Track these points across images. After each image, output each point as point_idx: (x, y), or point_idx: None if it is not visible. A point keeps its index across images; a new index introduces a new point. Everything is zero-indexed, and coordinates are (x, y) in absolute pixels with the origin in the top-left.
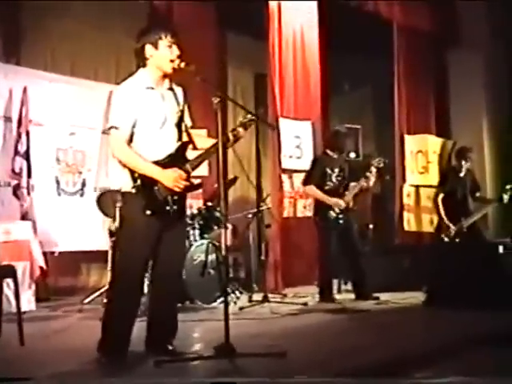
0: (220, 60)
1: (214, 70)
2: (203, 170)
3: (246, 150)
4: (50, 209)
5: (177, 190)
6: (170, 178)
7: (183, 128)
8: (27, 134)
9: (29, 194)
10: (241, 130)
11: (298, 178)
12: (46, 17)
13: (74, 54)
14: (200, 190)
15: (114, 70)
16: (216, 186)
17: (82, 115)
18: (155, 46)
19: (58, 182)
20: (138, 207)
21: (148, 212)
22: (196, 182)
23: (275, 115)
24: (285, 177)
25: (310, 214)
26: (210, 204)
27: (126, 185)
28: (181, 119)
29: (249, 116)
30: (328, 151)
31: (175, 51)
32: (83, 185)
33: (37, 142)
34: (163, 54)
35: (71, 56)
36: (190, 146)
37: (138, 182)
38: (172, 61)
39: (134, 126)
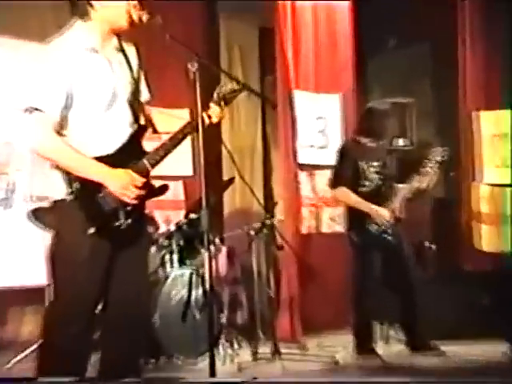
0: (205, 7)
1: (195, 22)
2: (185, 167)
3: (247, 137)
4: None
5: (127, 199)
6: (119, 182)
7: (138, 106)
8: None
9: None
10: (215, 106)
11: (323, 178)
12: None
13: None
14: (182, 197)
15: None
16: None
17: (3, 89)
18: None
19: None
20: (77, 223)
21: (91, 230)
22: (159, 184)
23: (287, 86)
24: (303, 175)
25: (340, 228)
26: (193, 216)
27: (58, 191)
28: (135, 93)
29: (229, 86)
30: (360, 138)
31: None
32: (10, 192)
33: None
34: (117, 3)
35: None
36: (149, 132)
37: (75, 186)
38: (129, 11)
39: (66, 107)
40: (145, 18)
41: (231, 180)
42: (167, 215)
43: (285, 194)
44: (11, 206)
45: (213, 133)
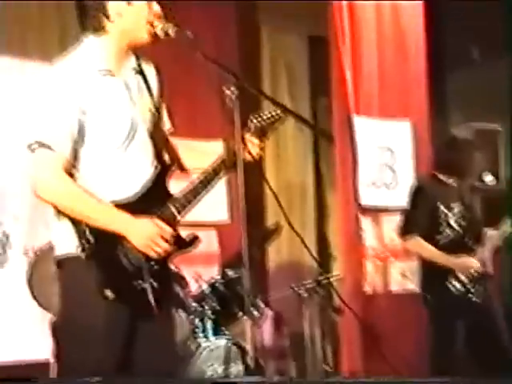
0: (244, 16)
1: (232, 34)
2: (220, 212)
3: (296, 174)
4: None
5: (154, 254)
6: (144, 233)
7: (161, 139)
8: None
9: None
10: (253, 138)
11: (391, 224)
12: None
13: None
14: (216, 248)
15: (57, 37)
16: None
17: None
18: None
19: None
20: (90, 285)
21: (108, 293)
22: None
23: (345, 111)
24: (366, 221)
25: (413, 286)
26: (231, 274)
27: (66, 245)
28: (157, 123)
29: (272, 111)
30: (439, 175)
31: (156, 7)
32: (4, 246)
33: None
34: (139, 10)
35: None
36: (176, 170)
37: (90, 239)
38: (151, 23)
39: (77, 142)
40: (171, 31)
41: (277, 228)
42: (198, 272)
43: (344, 244)
44: (5, 264)
45: (253, 169)
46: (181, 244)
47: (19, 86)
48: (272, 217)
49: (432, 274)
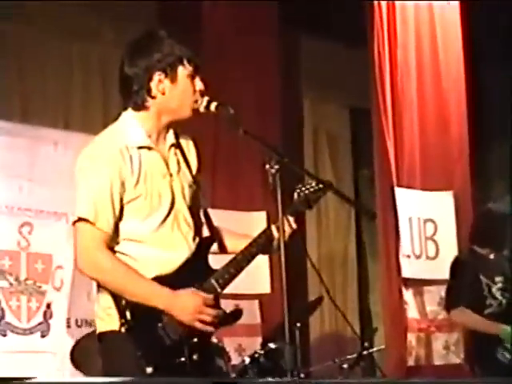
0: (286, 87)
1: (275, 105)
2: (262, 283)
3: (337, 246)
4: None
5: (199, 325)
6: (188, 307)
7: (200, 213)
8: None
9: None
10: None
11: (434, 296)
12: None
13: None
14: (258, 320)
15: (102, 112)
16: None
17: (41, 191)
18: (172, 75)
19: (0, 312)
20: (130, 360)
21: (149, 369)
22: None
23: (388, 183)
24: (408, 294)
25: (456, 359)
26: (272, 346)
27: (109, 320)
28: (196, 198)
29: (313, 185)
30: (476, 247)
31: (199, 84)
32: (47, 315)
33: None
34: (183, 89)
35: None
36: (214, 247)
37: (129, 315)
38: (194, 100)
39: (117, 217)
40: (213, 106)
41: (319, 300)
42: (239, 343)
43: (386, 316)
44: (48, 334)
45: (295, 242)
46: (224, 318)
47: (65, 159)
48: (315, 288)
49: (479, 345)
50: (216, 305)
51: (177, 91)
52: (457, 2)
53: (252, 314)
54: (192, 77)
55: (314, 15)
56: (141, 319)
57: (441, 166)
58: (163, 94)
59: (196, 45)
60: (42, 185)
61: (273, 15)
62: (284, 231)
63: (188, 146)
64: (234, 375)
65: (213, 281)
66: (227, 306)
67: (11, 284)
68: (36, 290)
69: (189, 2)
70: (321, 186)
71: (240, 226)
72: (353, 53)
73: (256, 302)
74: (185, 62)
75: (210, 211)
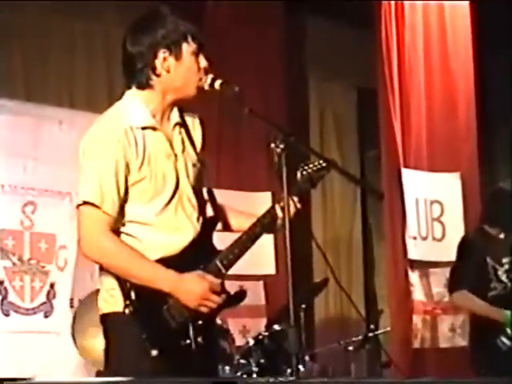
0: (292, 68)
1: (280, 85)
2: (267, 264)
3: (343, 227)
4: None
5: (205, 309)
6: (194, 292)
7: (204, 192)
8: None
9: None
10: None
11: (440, 278)
12: None
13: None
14: (262, 301)
15: (106, 90)
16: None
17: (45, 170)
18: (176, 52)
19: (3, 292)
20: (135, 343)
21: (153, 351)
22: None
23: (394, 164)
24: (414, 276)
25: (463, 342)
26: (277, 327)
27: (111, 302)
28: (200, 178)
29: (316, 163)
30: (486, 227)
31: (203, 62)
32: (50, 296)
33: None
34: (188, 66)
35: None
36: (219, 226)
37: (133, 297)
38: (199, 78)
39: (122, 199)
40: (217, 84)
41: (324, 282)
42: (244, 324)
43: (392, 298)
44: (51, 315)
45: (301, 223)
46: (229, 300)
47: (70, 138)
48: (320, 270)
49: (481, 329)
50: (221, 288)
51: (182, 69)
52: None
53: (256, 295)
54: (196, 54)
55: None
56: (146, 301)
57: (448, 147)
58: (168, 71)
59: (199, 27)
60: (46, 164)
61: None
62: (289, 211)
63: (193, 123)
64: (237, 357)
65: (217, 262)
66: (231, 286)
67: (14, 264)
68: (39, 270)
69: None
70: (324, 164)
71: (245, 206)
72: (360, 33)
73: (261, 283)
74: (189, 38)
75: (215, 191)
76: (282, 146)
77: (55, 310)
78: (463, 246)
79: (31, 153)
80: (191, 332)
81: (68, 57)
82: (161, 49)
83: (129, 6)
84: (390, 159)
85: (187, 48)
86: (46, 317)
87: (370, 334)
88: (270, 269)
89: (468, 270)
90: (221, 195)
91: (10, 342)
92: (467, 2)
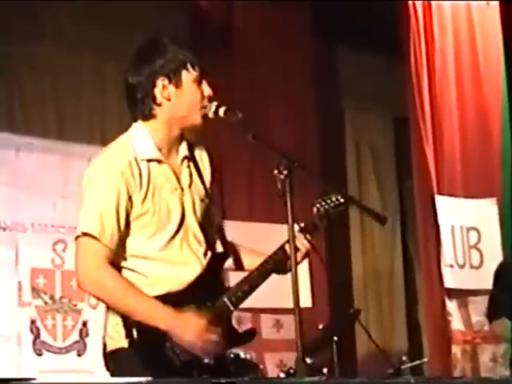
0: (324, 98)
1: (314, 117)
2: (303, 298)
3: (383, 257)
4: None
5: (200, 352)
6: (190, 329)
7: (214, 228)
8: None
9: None
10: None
11: (479, 306)
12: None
13: (60, 104)
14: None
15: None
16: (321, 326)
17: (74, 208)
18: (176, 80)
19: (35, 331)
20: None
21: None
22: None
23: (428, 191)
24: (452, 305)
25: (506, 372)
26: (309, 361)
27: (114, 338)
28: (209, 213)
29: (333, 198)
30: None
31: (207, 89)
32: (83, 334)
33: None
34: (189, 94)
35: (56, 108)
36: (229, 263)
37: (135, 334)
38: (204, 107)
39: (124, 232)
40: (222, 111)
41: (356, 313)
42: (280, 358)
43: (429, 328)
44: (84, 353)
45: (339, 253)
46: (237, 338)
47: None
48: (359, 301)
49: None
50: (227, 324)
51: (183, 97)
52: (496, 3)
53: (293, 328)
54: (198, 82)
55: (348, 25)
56: (148, 338)
57: (483, 172)
58: (169, 100)
59: (228, 59)
60: (76, 202)
61: (305, 27)
62: (295, 246)
63: (202, 156)
64: None
65: (225, 299)
66: (268, 320)
67: (46, 303)
68: (71, 309)
69: (220, 16)
70: (342, 199)
71: (259, 238)
72: (393, 62)
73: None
74: (188, 66)
75: (229, 223)
76: (285, 173)
77: (88, 348)
78: (500, 273)
79: (60, 191)
80: (195, 370)
81: (99, 95)
82: (159, 77)
83: None
84: (423, 187)
85: (187, 76)
86: (79, 355)
87: (403, 367)
88: (306, 301)
89: (506, 296)
90: (235, 227)
91: (43, 382)
92: (498, 23)
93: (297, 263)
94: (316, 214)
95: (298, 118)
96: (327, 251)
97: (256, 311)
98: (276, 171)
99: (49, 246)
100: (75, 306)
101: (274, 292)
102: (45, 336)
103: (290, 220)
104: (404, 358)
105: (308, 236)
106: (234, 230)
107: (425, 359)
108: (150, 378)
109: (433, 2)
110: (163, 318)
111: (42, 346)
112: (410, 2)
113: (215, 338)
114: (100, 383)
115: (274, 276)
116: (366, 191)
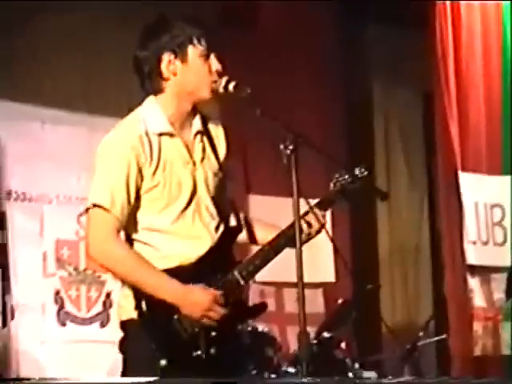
0: (357, 73)
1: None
2: (326, 272)
3: (410, 233)
4: (45, 350)
5: (209, 322)
6: (197, 304)
7: (227, 202)
8: (1, 215)
9: (4, 325)
10: (318, 211)
11: (502, 283)
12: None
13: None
14: (322, 309)
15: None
16: (340, 301)
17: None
18: (182, 55)
19: (59, 301)
20: (145, 351)
21: (162, 361)
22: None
23: (452, 167)
24: (474, 282)
25: None
26: (327, 335)
27: (124, 308)
28: (222, 187)
29: (351, 172)
30: None
31: (215, 64)
32: (107, 305)
33: (20, 229)
34: (196, 69)
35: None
36: (243, 237)
37: (144, 306)
38: (214, 81)
39: (132, 204)
40: (231, 86)
41: (377, 288)
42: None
43: (451, 304)
44: (107, 324)
45: (365, 228)
46: (248, 311)
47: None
48: (385, 276)
49: None
50: (238, 297)
51: (189, 71)
52: None
53: (316, 302)
54: (206, 56)
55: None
56: (156, 310)
57: (508, 149)
58: (175, 74)
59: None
60: None
61: (333, 4)
62: (300, 221)
63: (217, 131)
64: (285, 364)
65: (236, 273)
66: (291, 294)
67: (70, 274)
68: (95, 280)
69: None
70: (360, 174)
71: (282, 212)
72: (422, 37)
73: (320, 290)
74: (195, 41)
75: (251, 197)
76: (291, 148)
77: (111, 319)
78: None
79: (85, 163)
80: (202, 343)
81: (127, 68)
82: (165, 52)
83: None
84: (446, 163)
85: (193, 50)
86: (102, 326)
87: (427, 341)
88: (329, 276)
89: None
90: (256, 201)
91: (67, 352)
92: None
93: (309, 238)
94: (332, 188)
95: (326, 94)
96: (353, 227)
97: (279, 285)
98: (282, 146)
99: (73, 218)
100: (99, 277)
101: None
102: (69, 306)
103: (295, 195)
104: (421, 334)
105: (323, 212)
106: (258, 204)
107: (443, 335)
108: (157, 378)
109: None
110: (170, 291)
111: (65, 316)
112: None
113: (223, 311)
114: (104, 383)
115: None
116: (394, 167)
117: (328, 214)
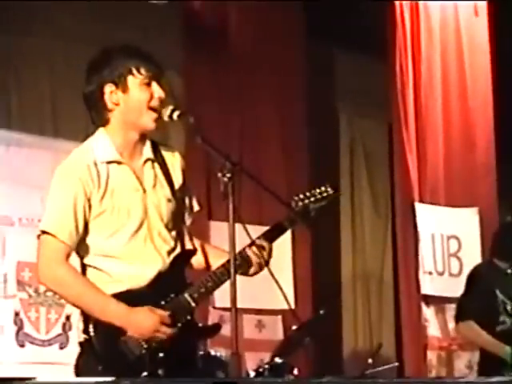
0: (317, 101)
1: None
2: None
3: (373, 261)
4: (3, 371)
5: (155, 342)
6: (143, 326)
7: (180, 227)
8: None
9: None
10: (263, 241)
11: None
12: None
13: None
14: (281, 335)
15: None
16: (295, 327)
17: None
18: (122, 86)
19: (18, 323)
20: (95, 372)
21: None
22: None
23: (408, 198)
24: (429, 311)
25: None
26: (279, 360)
27: (80, 330)
28: (176, 213)
29: (317, 190)
30: (496, 261)
31: (158, 91)
32: (66, 327)
33: None
34: (137, 97)
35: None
36: (198, 260)
37: (91, 328)
38: (153, 109)
39: (83, 231)
40: (175, 115)
41: (320, 316)
42: (261, 358)
43: (406, 333)
44: (66, 346)
45: (330, 254)
46: (202, 332)
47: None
48: (348, 303)
49: (488, 364)
50: (188, 319)
51: (131, 100)
52: (484, 17)
53: (275, 329)
54: (147, 84)
55: (342, 26)
56: (104, 332)
57: (466, 181)
58: (117, 104)
59: (224, 60)
60: None
61: (300, 28)
62: (235, 254)
63: (173, 159)
64: None
65: (186, 295)
66: (250, 320)
67: (30, 296)
68: (55, 302)
69: (215, 16)
70: (326, 193)
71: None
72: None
73: (279, 317)
74: (134, 71)
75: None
76: (228, 175)
77: (70, 341)
78: (472, 278)
79: (49, 186)
80: (149, 365)
81: None
82: (107, 84)
83: (151, 49)
84: (403, 193)
85: (133, 80)
86: (61, 348)
87: (369, 371)
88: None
89: (475, 301)
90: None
91: (25, 373)
92: (486, 38)
93: (261, 267)
94: (294, 209)
95: (291, 119)
96: (314, 251)
97: (239, 311)
98: (219, 174)
99: (35, 240)
100: (59, 299)
101: (258, 293)
102: (28, 328)
103: (231, 221)
104: (370, 361)
105: (264, 244)
106: (220, 231)
107: (395, 364)
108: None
109: (421, 12)
110: (116, 314)
111: (24, 337)
112: (397, 3)
113: (170, 331)
114: (95, 382)
115: (257, 277)
116: (359, 193)
117: (288, 237)
